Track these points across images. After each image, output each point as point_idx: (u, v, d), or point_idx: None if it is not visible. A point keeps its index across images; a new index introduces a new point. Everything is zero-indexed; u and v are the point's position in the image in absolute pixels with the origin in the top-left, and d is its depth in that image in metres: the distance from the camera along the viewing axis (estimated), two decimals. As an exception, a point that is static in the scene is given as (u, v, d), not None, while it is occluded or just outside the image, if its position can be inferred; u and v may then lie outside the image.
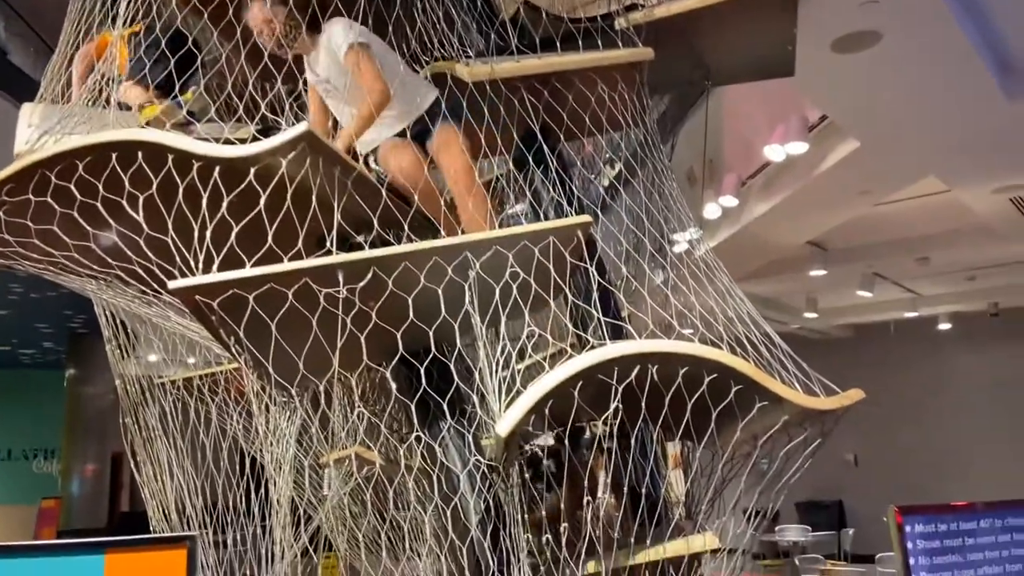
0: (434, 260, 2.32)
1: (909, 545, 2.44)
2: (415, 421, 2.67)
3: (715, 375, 2.27)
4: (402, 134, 2.79)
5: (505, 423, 2.02)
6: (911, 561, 2.44)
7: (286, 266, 2.20)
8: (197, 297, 2.12)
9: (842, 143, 5.83)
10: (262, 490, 2.86)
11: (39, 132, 2.80)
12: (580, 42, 3.00)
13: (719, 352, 2.28)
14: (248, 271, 2.15)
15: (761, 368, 2.37)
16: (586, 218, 2.49)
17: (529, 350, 2.31)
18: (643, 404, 2.23)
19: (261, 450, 2.87)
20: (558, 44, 2.96)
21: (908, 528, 2.41)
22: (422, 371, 2.36)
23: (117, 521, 12.99)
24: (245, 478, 2.96)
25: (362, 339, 2.27)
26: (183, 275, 2.26)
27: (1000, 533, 2.71)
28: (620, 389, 2.19)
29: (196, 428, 3.14)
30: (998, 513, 2.68)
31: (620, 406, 2.19)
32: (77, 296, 9.62)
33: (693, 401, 2.27)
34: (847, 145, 5.75)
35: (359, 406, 2.46)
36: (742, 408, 2.35)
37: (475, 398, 2.42)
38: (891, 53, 4.35)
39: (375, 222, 2.44)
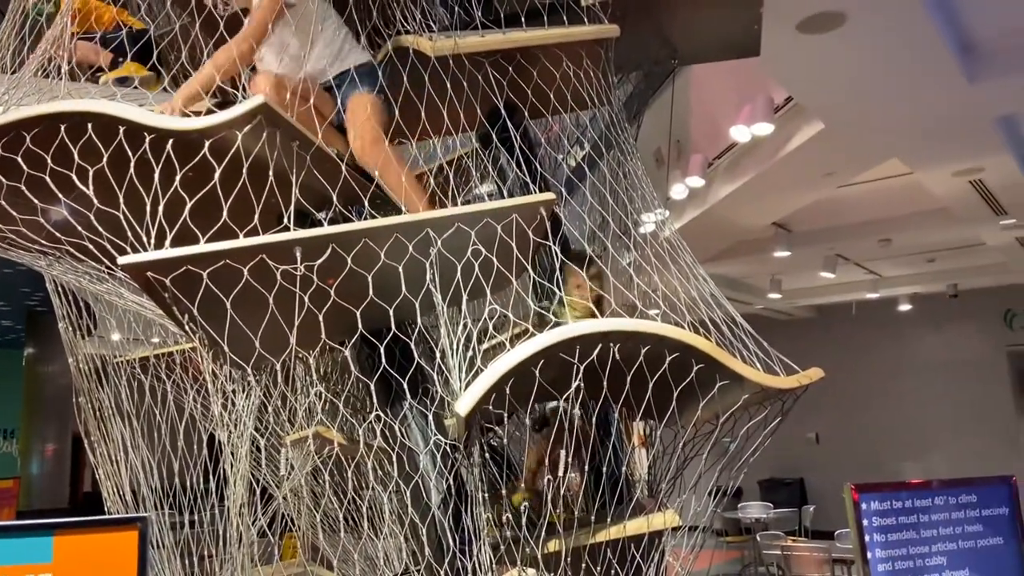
0: (395, 237, 2.29)
1: (865, 522, 2.48)
2: (376, 400, 2.64)
3: (676, 353, 2.27)
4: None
5: (465, 402, 2.00)
6: (866, 538, 2.48)
7: (241, 242, 2.15)
8: (149, 274, 2.06)
9: (807, 124, 5.87)
10: (220, 470, 2.81)
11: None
12: (546, 18, 2.95)
13: (680, 331, 2.28)
14: (202, 247, 2.10)
15: (723, 347, 2.38)
16: (550, 195, 2.46)
17: (491, 329, 2.28)
18: (604, 383, 2.23)
19: (217, 429, 2.82)
20: (523, 20, 2.91)
21: (864, 506, 2.44)
22: (382, 350, 2.32)
23: (79, 501, 12.82)
24: (202, 458, 2.91)
25: (320, 317, 2.23)
26: (135, 251, 2.20)
27: (954, 510, 2.77)
28: (582, 368, 2.18)
29: (152, 408, 3.08)
30: (951, 491, 2.74)
31: (582, 385, 2.18)
32: (34, 273, 9.40)
33: (655, 380, 2.27)
34: (812, 127, 5.78)
35: (318, 385, 2.42)
36: (703, 387, 2.36)
37: (437, 377, 2.39)
38: (855, 34, 4.36)
39: (334, 198, 2.38)
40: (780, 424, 2.49)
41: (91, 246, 2.30)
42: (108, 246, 2.29)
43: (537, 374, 2.12)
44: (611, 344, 2.20)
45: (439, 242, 2.33)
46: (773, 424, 2.48)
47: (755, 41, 3.69)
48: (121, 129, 2.24)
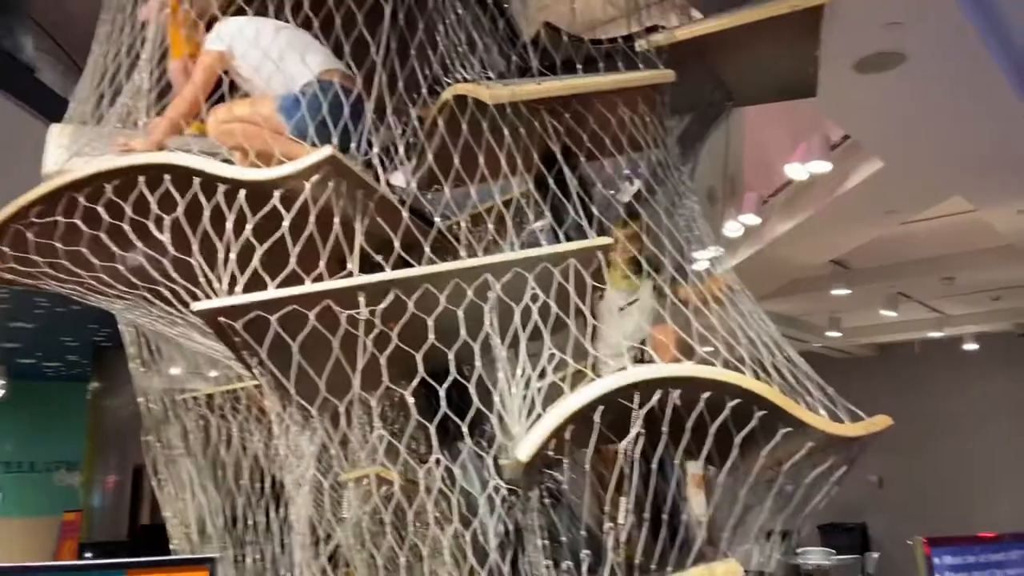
0: (454, 282, 2.33)
1: (937, 576, 2.40)
2: (434, 442, 2.66)
3: (738, 400, 2.25)
4: None
5: (526, 447, 2.02)
6: (938, 592, 2.39)
7: (308, 288, 2.22)
8: (220, 319, 2.13)
9: (865, 162, 5.79)
10: (281, 508, 2.86)
11: (68, 153, 2.84)
12: (602, 64, 3.01)
13: (741, 376, 2.26)
14: (270, 293, 2.17)
15: (785, 392, 2.35)
16: (607, 240, 2.49)
17: (550, 372, 2.30)
18: (664, 428, 2.21)
19: (280, 469, 2.87)
20: (579, 66, 2.97)
21: (936, 560, 2.36)
22: (441, 392, 2.35)
23: (137, 534, 13.05)
24: (264, 496, 2.97)
25: (383, 361, 2.28)
26: (207, 297, 2.28)
27: (1030, 564, 2.66)
28: (641, 413, 2.17)
29: (217, 446, 3.15)
30: (1027, 543, 2.63)
31: (642, 431, 2.17)
32: (101, 311, 9.71)
33: (716, 426, 2.25)
34: (871, 165, 5.71)
35: (378, 426, 2.46)
36: (765, 433, 2.32)
37: (494, 419, 2.41)
38: (914, 73, 4.31)
39: (396, 243, 2.44)
40: (847, 473, 2.43)
41: (165, 291, 2.39)
42: (182, 291, 2.38)
43: (597, 419, 2.12)
44: (670, 390, 2.19)
45: (498, 286, 2.36)
46: (839, 472, 2.43)
47: (811, 83, 3.69)
48: (196, 180, 2.34)
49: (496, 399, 2.61)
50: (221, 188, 2.32)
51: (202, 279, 2.31)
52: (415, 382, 2.35)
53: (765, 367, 2.47)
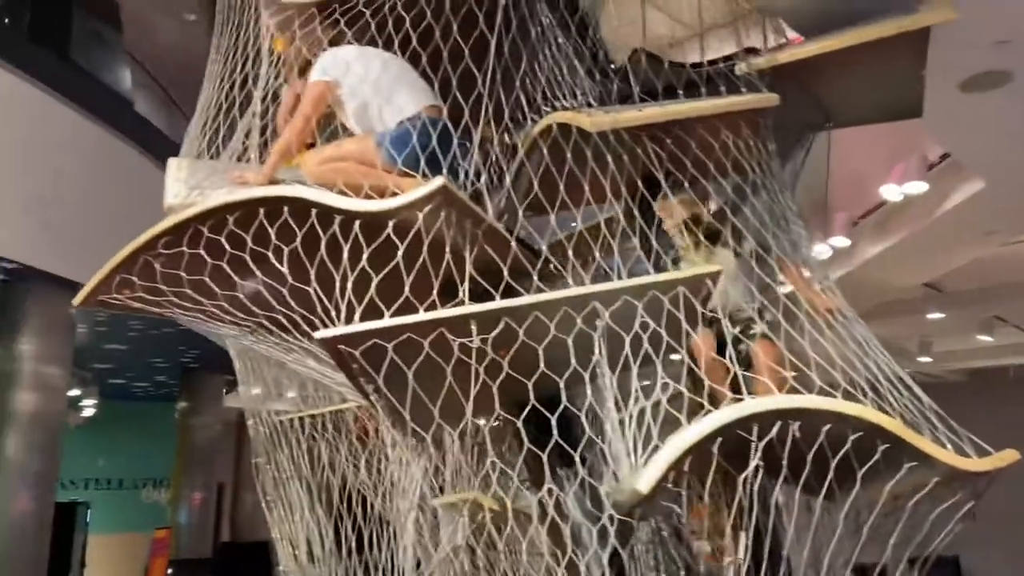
0: (563, 310, 2.33)
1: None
2: (536, 470, 2.66)
3: (860, 433, 2.18)
4: None
5: (646, 479, 1.99)
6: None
7: (422, 316, 2.25)
8: (340, 346, 2.18)
9: (965, 183, 5.59)
10: (385, 532, 2.89)
11: (187, 187, 2.97)
12: (703, 88, 2.99)
13: (864, 409, 2.19)
14: (387, 321, 2.21)
15: (908, 425, 2.27)
16: (716, 267, 2.46)
17: (664, 402, 2.27)
18: (784, 462, 2.16)
19: (382, 493, 2.91)
20: (679, 92, 2.95)
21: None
22: (553, 421, 2.34)
23: (220, 552, 13.37)
24: (358, 517, 3.00)
25: (494, 388, 2.29)
26: (324, 324, 2.34)
27: None
28: (760, 445, 2.12)
29: (322, 468, 3.21)
30: None
31: (760, 464, 2.12)
32: (190, 333, 10.04)
33: (836, 460, 2.18)
34: (972, 185, 5.51)
35: (491, 455, 2.47)
36: (888, 467, 2.24)
37: (605, 449, 2.39)
38: (1022, 92, 4.16)
39: (505, 272, 2.46)
40: (973, 508, 2.33)
41: (283, 319, 2.46)
42: (299, 319, 2.44)
43: (715, 451, 2.09)
44: (790, 422, 2.14)
45: (606, 314, 2.36)
46: (965, 508, 2.32)
47: (917, 104, 3.59)
48: (313, 211, 2.42)
49: (607, 428, 2.60)
50: (337, 219, 2.39)
51: (319, 307, 2.36)
52: (527, 410, 2.35)
53: (884, 397, 2.39)
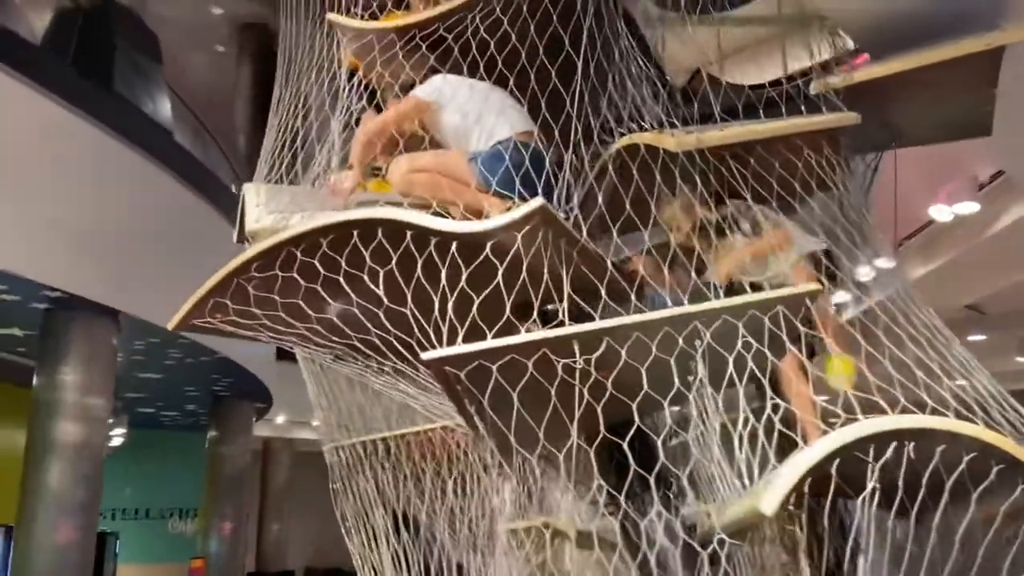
0: (665, 330, 2.31)
1: None
2: (619, 493, 2.62)
3: (974, 454, 2.13)
4: None
5: (771, 500, 1.95)
6: None
7: (526, 337, 2.23)
8: (446, 368, 2.17)
9: (1017, 204, 5.54)
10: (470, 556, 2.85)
11: (267, 211, 2.98)
12: (783, 107, 2.98)
13: (977, 428, 2.15)
14: (492, 342, 2.19)
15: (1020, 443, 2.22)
16: (815, 286, 2.44)
17: (777, 422, 2.23)
18: (900, 483, 2.11)
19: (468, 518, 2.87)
20: (760, 111, 2.95)
21: None
22: (659, 445, 2.31)
23: (247, 582, 13.27)
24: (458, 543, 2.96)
25: (599, 409, 2.26)
26: (423, 346, 2.33)
27: None
28: (877, 467, 2.08)
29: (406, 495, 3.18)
30: None
31: (877, 486, 2.08)
32: (225, 361, 10.05)
33: (951, 482, 2.14)
34: (1019, 209, 5.46)
35: (598, 479, 2.43)
36: (1002, 487, 2.19)
37: (713, 471, 2.35)
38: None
39: (603, 293, 2.44)
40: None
41: (378, 341, 2.45)
42: (394, 341, 2.43)
43: (834, 472, 2.04)
44: (905, 443, 2.09)
45: (707, 334, 2.33)
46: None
47: (987, 122, 3.57)
48: (409, 233, 2.41)
49: (694, 450, 2.57)
50: (433, 240, 2.38)
51: (416, 329, 2.35)
52: (632, 431, 2.32)
53: (991, 416, 2.35)
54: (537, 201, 2.32)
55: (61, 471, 6.79)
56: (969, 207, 5.65)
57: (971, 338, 8.67)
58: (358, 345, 2.53)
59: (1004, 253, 6.17)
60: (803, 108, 2.98)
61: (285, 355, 13.62)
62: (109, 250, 7.18)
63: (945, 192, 5.74)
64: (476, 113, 2.68)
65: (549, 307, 2.78)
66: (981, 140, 4.48)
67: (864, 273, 3.24)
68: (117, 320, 7.43)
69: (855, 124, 3.00)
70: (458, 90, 2.75)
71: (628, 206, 2.75)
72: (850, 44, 3.70)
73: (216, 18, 13.93)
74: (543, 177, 2.53)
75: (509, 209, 2.52)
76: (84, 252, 6.94)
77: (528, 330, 2.60)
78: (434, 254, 2.37)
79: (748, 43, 4.32)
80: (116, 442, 13.16)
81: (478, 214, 2.52)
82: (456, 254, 2.35)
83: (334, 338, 2.55)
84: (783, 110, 2.97)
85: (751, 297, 2.39)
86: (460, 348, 2.17)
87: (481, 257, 2.33)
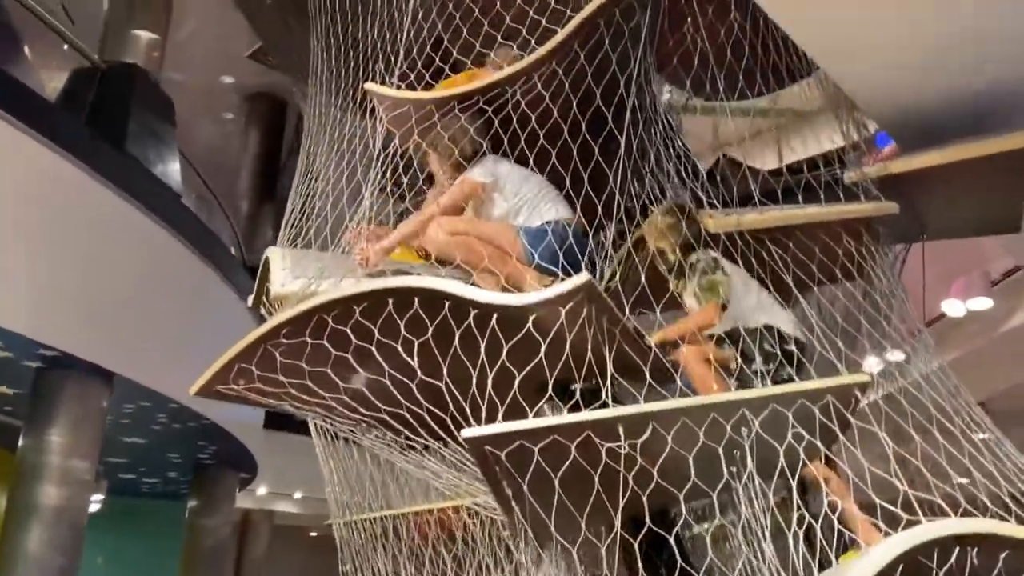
0: (712, 416, 2.22)
1: None
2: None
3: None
4: None
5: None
6: None
7: (570, 418, 2.13)
8: (487, 447, 2.05)
9: (1028, 303, 5.53)
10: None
11: (293, 275, 2.90)
12: (822, 194, 2.97)
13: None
14: (535, 422, 2.09)
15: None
16: (864, 377, 2.36)
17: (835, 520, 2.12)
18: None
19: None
20: (799, 196, 2.94)
21: None
22: (707, 534, 2.19)
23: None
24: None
25: (644, 497, 2.14)
26: (455, 422, 2.22)
27: None
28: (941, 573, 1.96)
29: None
30: None
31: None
32: (212, 427, 9.79)
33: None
34: (1038, 304, 5.45)
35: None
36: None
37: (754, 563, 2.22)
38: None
39: (647, 373, 2.35)
40: None
41: (409, 415, 2.34)
42: (427, 416, 2.32)
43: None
44: (968, 548, 1.98)
45: (756, 423, 2.24)
46: None
47: (1016, 218, 3.56)
48: (447, 303, 2.33)
49: (733, 542, 2.44)
50: (473, 312, 2.30)
51: (451, 405, 2.25)
52: (679, 522, 2.19)
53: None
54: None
55: (40, 536, 6.49)
56: (982, 303, 5.63)
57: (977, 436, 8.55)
58: (387, 419, 2.41)
59: (1012, 350, 6.13)
60: (841, 196, 2.96)
61: (273, 423, 13.37)
62: (108, 310, 7.05)
63: (957, 286, 5.73)
64: (527, 196, 2.67)
65: (573, 387, 2.69)
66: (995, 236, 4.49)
67: (896, 357, 3.17)
68: (111, 382, 7.25)
69: (892, 214, 2.97)
70: (512, 173, 2.78)
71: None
72: (873, 130, 3.74)
73: (226, 86, 14.15)
74: (586, 258, 2.49)
75: (549, 285, 2.46)
76: (83, 310, 6.80)
77: (543, 410, 2.52)
78: (473, 326, 2.29)
79: (771, 127, 4.36)
80: (94, 508, 12.71)
81: (516, 287, 2.46)
82: (496, 327, 2.26)
83: (362, 410, 2.43)
84: (821, 195, 2.94)
85: (800, 385, 2.31)
86: (502, 427, 2.06)
87: (523, 332, 2.24)
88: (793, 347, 2.70)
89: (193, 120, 13.44)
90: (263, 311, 3.53)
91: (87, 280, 6.86)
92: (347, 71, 3.90)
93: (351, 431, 2.67)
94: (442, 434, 2.33)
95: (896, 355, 3.27)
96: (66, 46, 10.47)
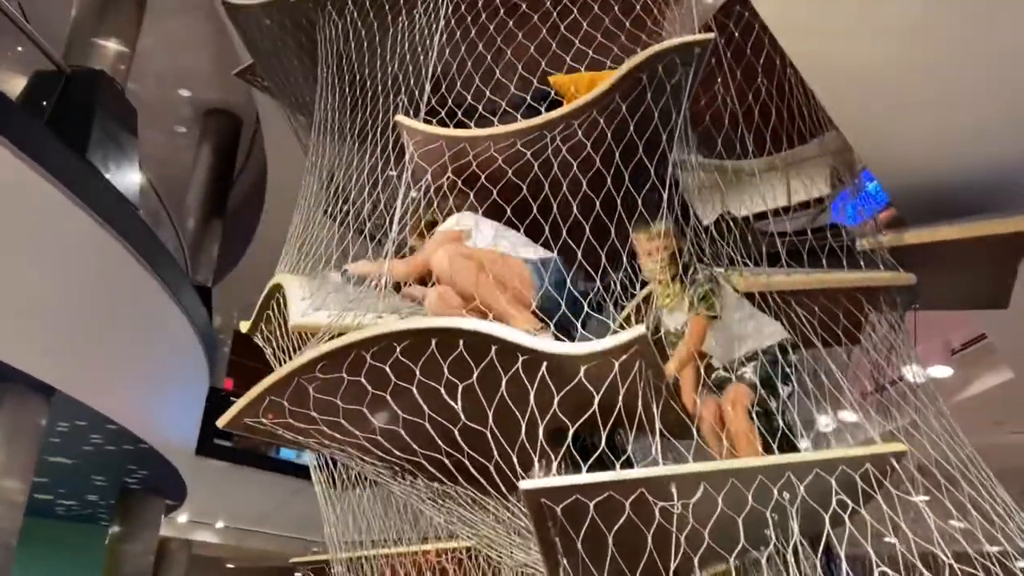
0: (759, 479, 2.21)
1: None
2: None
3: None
4: None
5: None
6: None
7: (625, 474, 2.08)
8: (543, 500, 1.99)
9: (990, 372, 5.75)
10: None
11: (313, 305, 2.80)
12: (844, 259, 3.03)
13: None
14: (592, 476, 2.04)
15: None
16: (902, 446, 2.39)
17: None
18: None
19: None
20: (844, 261, 3.01)
21: None
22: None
23: None
24: None
25: (696, 558, 2.11)
26: (499, 469, 2.15)
27: None
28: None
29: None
30: None
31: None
32: (148, 452, 9.33)
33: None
34: (997, 375, 5.66)
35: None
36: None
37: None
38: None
39: (693, 429, 2.33)
40: None
41: (447, 461, 2.26)
42: (467, 462, 2.24)
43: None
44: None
45: (801, 487, 2.24)
46: None
47: (1006, 295, 3.70)
48: (494, 348, 2.27)
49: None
50: (521, 358, 2.24)
51: (496, 452, 2.18)
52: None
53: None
54: (639, 329, 2.22)
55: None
56: (942, 371, 5.83)
57: (917, 498, 8.79)
58: (423, 463, 2.31)
59: (965, 420, 6.34)
60: (862, 263, 3.03)
61: (204, 450, 12.86)
62: (54, 321, 6.68)
63: (918, 353, 5.92)
64: (508, 242, 2.75)
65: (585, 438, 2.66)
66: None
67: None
68: (50, 398, 6.85)
69: (911, 285, 3.06)
70: (481, 223, 2.85)
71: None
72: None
73: (182, 99, 13.85)
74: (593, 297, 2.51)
75: (539, 330, 2.46)
76: (26, 320, 6.42)
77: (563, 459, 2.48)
78: (521, 373, 2.23)
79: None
80: (1, 529, 11.94)
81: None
82: (547, 375, 2.21)
83: (398, 454, 2.33)
84: (844, 261, 3.01)
85: (839, 452, 2.32)
86: (561, 480, 2.00)
87: (575, 382, 2.20)
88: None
89: (143, 131, 13.07)
90: (258, 339, 3.40)
91: (33, 287, 6.50)
92: (358, 102, 3.85)
93: (381, 475, 2.55)
94: (483, 481, 2.24)
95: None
96: (20, 47, 10.09)
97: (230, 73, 6.24)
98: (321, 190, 3.75)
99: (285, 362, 3.04)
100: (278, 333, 3.11)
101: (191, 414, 11.06)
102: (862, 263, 3.20)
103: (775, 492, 2.19)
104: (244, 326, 3.42)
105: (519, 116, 3.01)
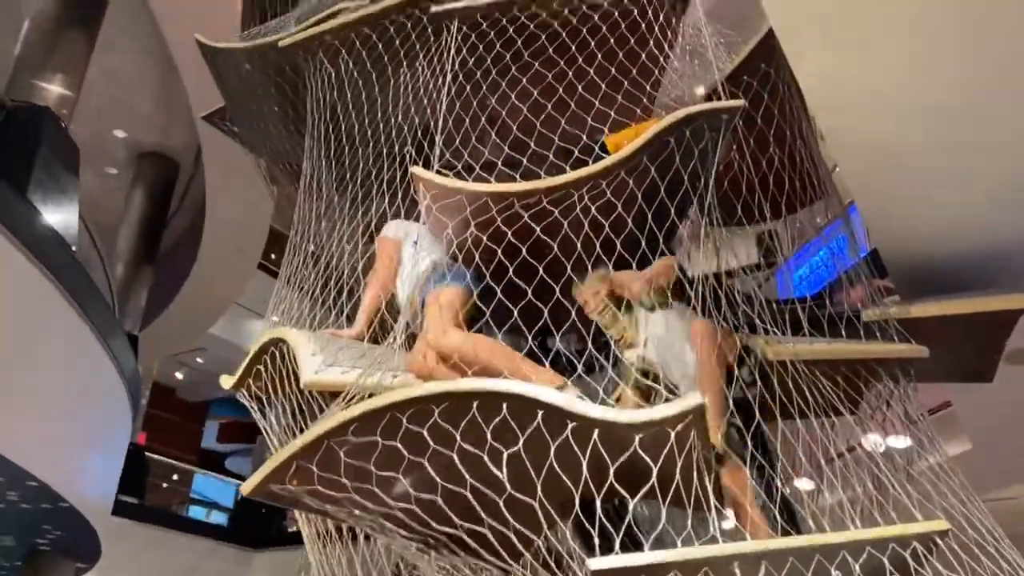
0: (817, 558, 2.12)
1: None
2: None
3: None
4: None
5: None
6: None
7: (689, 552, 1.96)
8: (611, 582, 1.85)
9: (949, 443, 5.86)
10: None
11: (325, 362, 2.63)
12: (861, 330, 3.04)
13: None
14: (661, 554, 1.91)
15: None
16: (943, 524, 2.35)
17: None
18: None
19: None
20: (861, 330, 3.01)
21: None
22: None
23: None
24: None
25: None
26: (545, 550, 2.01)
27: None
28: None
29: None
30: None
31: None
32: (68, 511, 8.67)
33: None
34: (956, 445, 5.78)
35: None
36: None
37: None
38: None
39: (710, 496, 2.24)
40: None
41: (491, 536, 2.09)
42: (512, 536, 2.08)
43: None
44: None
45: (856, 566, 2.16)
46: None
47: (991, 369, 3.78)
48: (539, 412, 2.14)
49: None
50: (570, 425, 2.12)
51: (542, 517, 2.03)
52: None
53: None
54: (695, 399, 2.13)
55: None
56: (901, 442, 5.92)
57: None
58: (465, 538, 2.14)
59: (923, 490, 6.44)
60: (878, 335, 3.04)
61: (121, 511, 12.06)
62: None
63: (872, 421, 6.00)
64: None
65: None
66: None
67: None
68: (-35, 442, 6.27)
69: (922, 357, 3.09)
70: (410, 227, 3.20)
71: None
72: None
73: (116, 140, 13.37)
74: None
75: (562, 387, 2.37)
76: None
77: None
78: (571, 439, 2.11)
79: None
80: None
81: None
82: (598, 443, 2.09)
83: (436, 526, 2.15)
84: (861, 333, 3.02)
85: (871, 532, 2.26)
86: (630, 559, 1.87)
87: (630, 451, 2.08)
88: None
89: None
90: (242, 396, 3.19)
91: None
92: (348, 156, 3.75)
93: (415, 548, 2.34)
94: (526, 555, 2.08)
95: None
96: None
97: (171, 115, 6.01)
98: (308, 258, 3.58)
99: (279, 421, 2.84)
100: (271, 389, 2.92)
101: (112, 470, 10.38)
102: (862, 333, 3.21)
103: (832, 570, 2.10)
104: (226, 381, 3.19)
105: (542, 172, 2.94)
